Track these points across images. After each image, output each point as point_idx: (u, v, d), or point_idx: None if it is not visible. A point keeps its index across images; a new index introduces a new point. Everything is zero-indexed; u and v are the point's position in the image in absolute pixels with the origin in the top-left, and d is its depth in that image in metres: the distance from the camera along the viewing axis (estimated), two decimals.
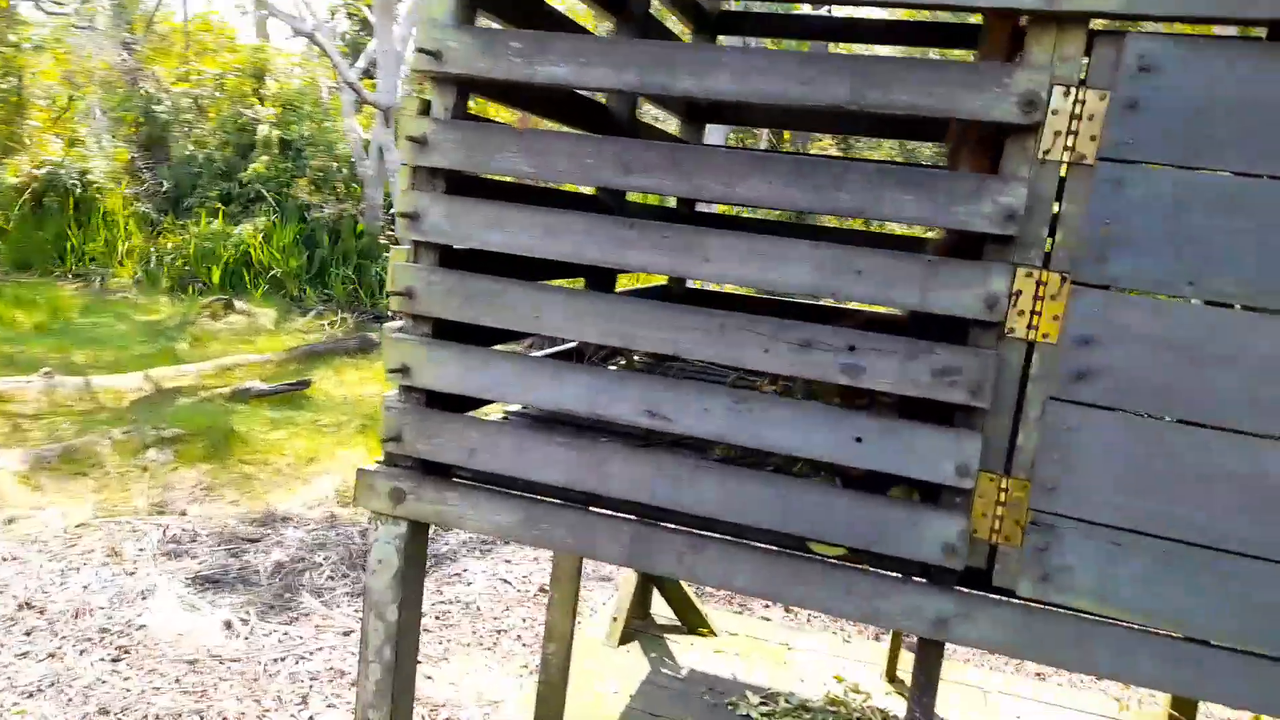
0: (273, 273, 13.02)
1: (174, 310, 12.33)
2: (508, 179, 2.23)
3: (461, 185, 2.26)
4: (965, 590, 2.07)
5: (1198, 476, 1.86)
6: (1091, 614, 1.97)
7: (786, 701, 3.94)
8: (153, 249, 13.24)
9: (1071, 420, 1.93)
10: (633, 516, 2.32)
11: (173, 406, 8.38)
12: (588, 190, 3.36)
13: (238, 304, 12.17)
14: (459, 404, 2.39)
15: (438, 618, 5.26)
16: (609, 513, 2.30)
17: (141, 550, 5.71)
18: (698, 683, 4.09)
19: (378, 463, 2.34)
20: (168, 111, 13.91)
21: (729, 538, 2.19)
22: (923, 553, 2.01)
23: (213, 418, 8.05)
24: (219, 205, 13.66)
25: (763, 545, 2.19)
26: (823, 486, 2.09)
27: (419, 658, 4.88)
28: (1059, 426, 1.94)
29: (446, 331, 2.27)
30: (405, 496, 2.27)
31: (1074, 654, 1.97)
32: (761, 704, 3.91)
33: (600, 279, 3.22)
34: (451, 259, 2.25)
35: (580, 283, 3.36)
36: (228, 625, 4.94)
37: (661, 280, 3.96)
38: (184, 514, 6.42)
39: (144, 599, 5.13)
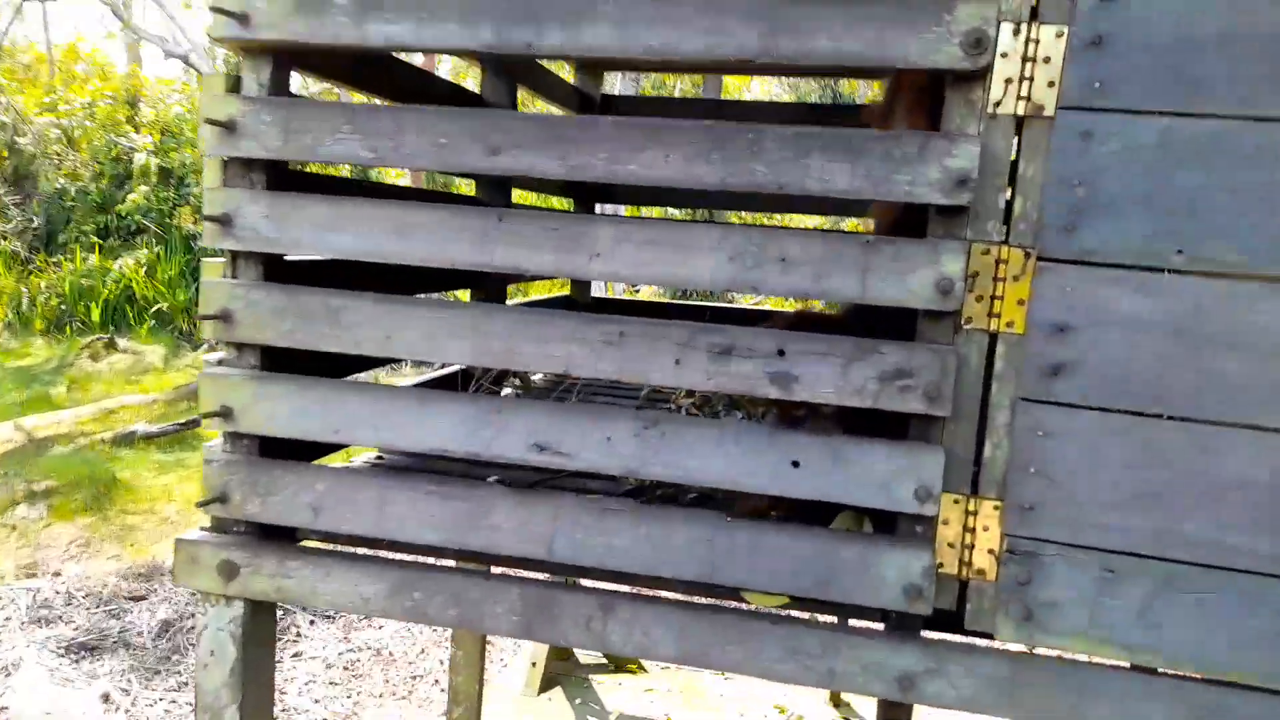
0: (158, 307, 12.17)
1: (50, 353, 11.39)
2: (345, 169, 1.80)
3: (288, 180, 1.82)
4: (934, 637, 1.71)
5: (1205, 484, 1.53)
6: (1087, 658, 1.63)
7: None
8: (24, 289, 12.26)
9: (1048, 424, 1.59)
10: (539, 576, 1.91)
11: (46, 457, 7.62)
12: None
13: (120, 343, 11.29)
14: (308, 451, 1.94)
15: (346, 668, 4.76)
16: (501, 572, 1.88)
17: (7, 620, 5.05)
18: None
19: (203, 530, 1.88)
20: (32, 143, 12.92)
21: (647, 593, 1.80)
22: (882, 597, 1.65)
23: (92, 466, 7.33)
24: (96, 240, 12.74)
25: (690, 599, 1.80)
26: (756, 524, 1.71)
27: (325, 716, 4.38)
28: (1033, 433, 1.60)
29: (281, 362, 1.82)
30: (238, 571, 1.81)
31: (1070, 709, 1.62)
32: None
33: (491, 290, 2.80)
34: (280, 272, 1.81)
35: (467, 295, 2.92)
36: (106, 698, 4.35)
37: (564, 291, 3.55)
38: (58, 574, 5.77)
39: (6, 676, 4.49)
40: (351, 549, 1.93)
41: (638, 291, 10.99)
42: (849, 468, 1.63)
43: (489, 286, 2.77)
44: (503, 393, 2.52)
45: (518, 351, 1.72)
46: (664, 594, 1.82)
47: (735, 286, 1.65)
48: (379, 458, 2.23)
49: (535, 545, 1.77)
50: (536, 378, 3.40)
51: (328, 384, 1.78)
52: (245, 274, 1.77)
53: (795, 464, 1.65)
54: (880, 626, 1.81)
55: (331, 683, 4.63)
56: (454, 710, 2.97)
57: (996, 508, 1.65)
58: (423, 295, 1.79)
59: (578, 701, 3.90)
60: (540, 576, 1.88)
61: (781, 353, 1.63)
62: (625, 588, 1.85)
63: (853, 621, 1.81)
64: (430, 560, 1.90)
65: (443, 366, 2.98)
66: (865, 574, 1.65)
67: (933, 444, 1.64)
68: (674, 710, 3.85)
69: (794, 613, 1.78)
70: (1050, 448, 1.59)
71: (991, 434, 1.64)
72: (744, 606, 1.79)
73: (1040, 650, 1.66)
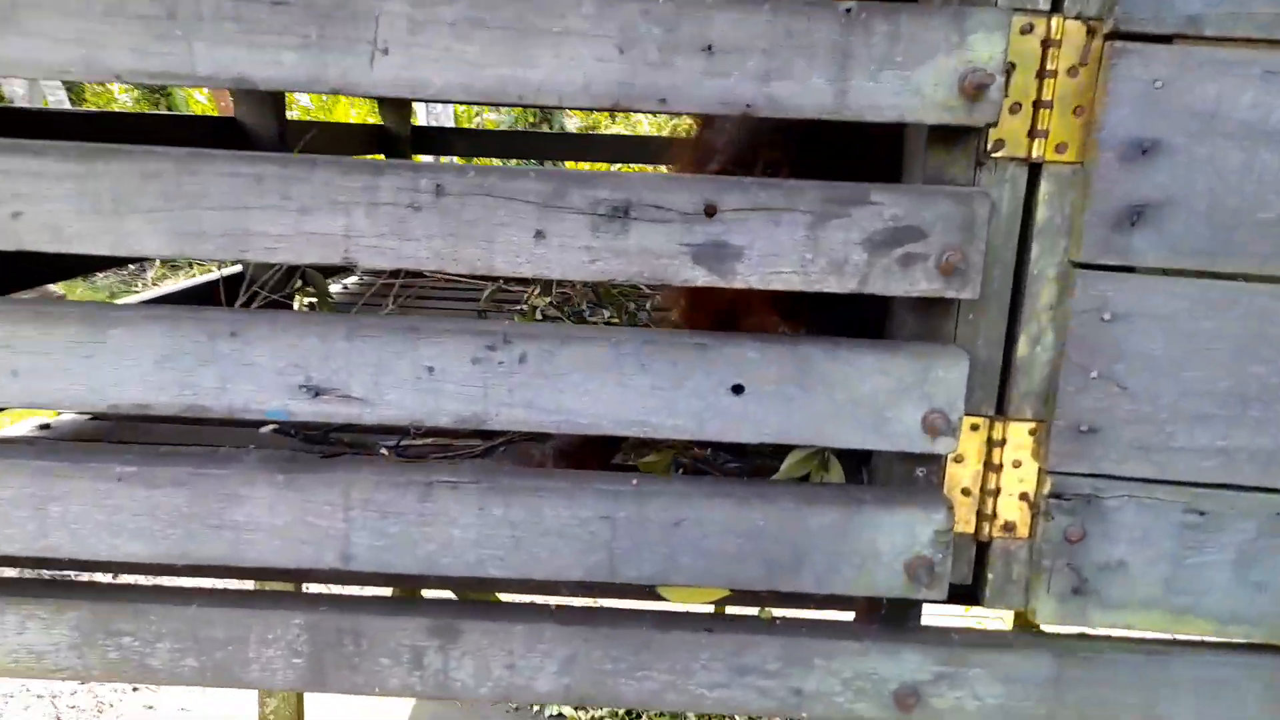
0: None
1: None
2: None
3: None
4: (945, 627, 1.17)
5: None
6: (1167, 639, 1.13)
7: None
8: None
9: (1119, 303, 1.03)
10: (338, 590, 1.23)
11: None
12: None
13: None
14: None
15: None
16: (278, 590, 1.19)
17: None
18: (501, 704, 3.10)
19: None
20: None
21: (516, 600, 1.16)
22: (875, 581, 1.07)
23: None
24: None
25: (578, 604, 1.17)
26: (679, 485, 1.08)
27: None
28: (1095, 317, 1.03)
29: None
30: None
31: (1139, 710, 1.12)
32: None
33: None
34: None
35: None
36: None
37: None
38: None
39: None
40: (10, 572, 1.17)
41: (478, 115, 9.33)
42: (823, 390, 1.02)
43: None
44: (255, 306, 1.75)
45: (254, 231, 0.99)
46: (544, 600, 1.18)
47: (628, 98, 0.97)
48: (44, 426, 1.44)
49: (318, 550, 1.08)
50: (345, 285, 2.60)
51: None
52: None
53: (737, 389, 1.03)
54: (849, 618, 1.25)
55: None
56: None
57: (1034, 433, 1.09)
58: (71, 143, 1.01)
59: None
60: (342, 591, 1.19)
61: (711, 211, 0.98)
62: (502, 595, 1.20)
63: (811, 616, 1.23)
64: (157, 582, 1.17)
65: (224, 269, 2.14)
66: (846, 549, 1.07)
67: (948, 344, 1.06)
68: None
69: (739, 610, 1.19)
70: (1122, 338, 1.04)
71: (1030, 322, 1.06)
72: (667, 607, 1.18)
73: (1088, 631, 1.15)
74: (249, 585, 1.16)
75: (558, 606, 1.16)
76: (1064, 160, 1.02)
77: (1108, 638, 1.14)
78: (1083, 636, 1.14)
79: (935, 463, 1.10)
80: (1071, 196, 1.03)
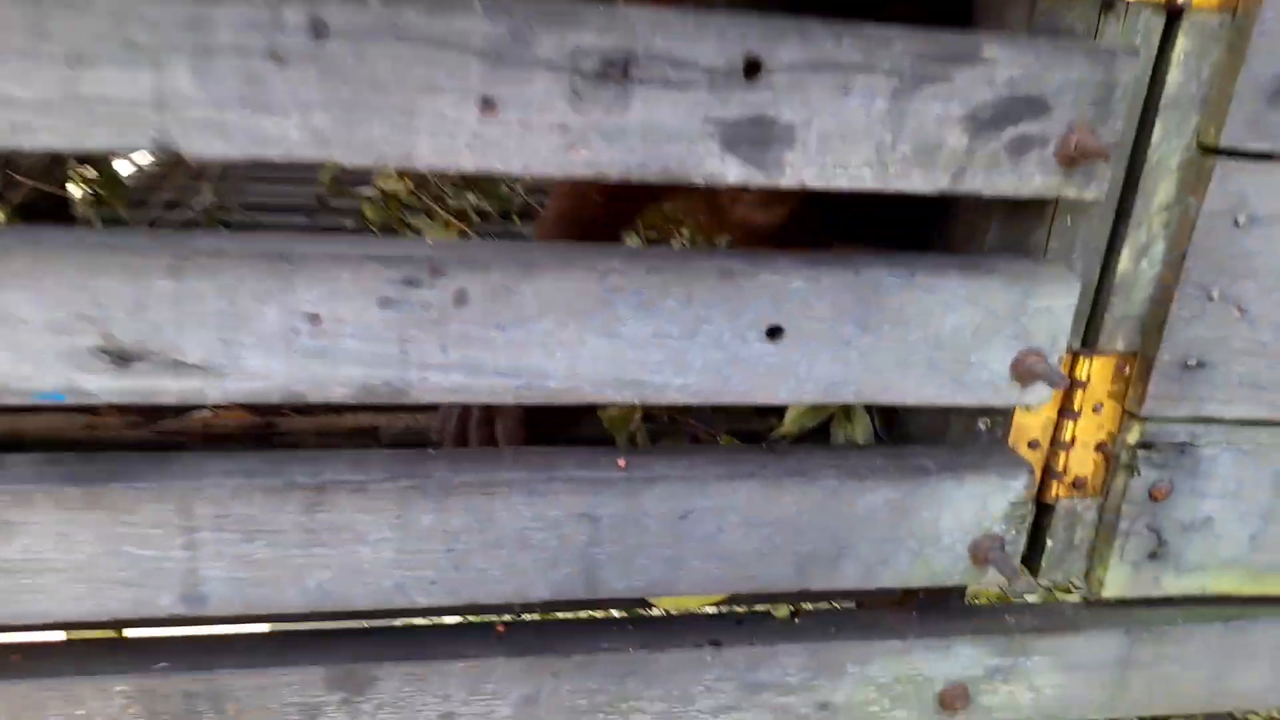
0: None
1: None
2: None
3: None
4: (991, 609, 0.94)
5: None
6: (1247, 599, 0.96)
7: None
8: None
9: (1261, 201, 0.78)
10: (187, 632, 0.86)
11: None
12: None
13: None
14: None
15: None
16: (85, 643, 0.82)
17: None
18: None
19: None
20: None
21: (451, 622, 0.84)
22: (933, 568, 0.83)
23: None
24: None
25: (539, 618, 0.86)
26: (680, 461, 0.78)
27: None
28: (1227, 219, 0.79)
29: None
30: None
31: (1207, 684, 0.95)
32: None
33: None
34: None
35: None
36: None
37: None
38: None
39: None
40: None
41: None
42: (891, 329, 0.73)
43: None
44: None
45: None
46: (490, 619, 0.86)
47: None
48: None
49: (147, 592, 0.71)
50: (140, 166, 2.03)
51: None
52: None
53: (774, 332, 0.72)
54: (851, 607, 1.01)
55: None
56: None
57: (1125, 370, 0.85)
58: None
59: None
60: (196, 632, 0.82)
61: (754, 68, 0.64)
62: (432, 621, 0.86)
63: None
64: None
65: None
66: (902, 533, 0.81)
67: (1044, 260, 0.79)
68: None
69: (734, 608, 0.91)
70: (1257, 250, 0.80)
71: (1138, 228, 0.80)
72: (649, 612, 0.89)
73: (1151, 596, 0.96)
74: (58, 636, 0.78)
75: (505, 627, 0.85)
76: (1213, 5, 0.74)
77: (1178, 603, 0.95)
78: (1148, 603, 0.95)
79: (1002, 411, 0.85)
80: (1214, 58, 0.75)
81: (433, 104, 0.61)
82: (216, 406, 0.93)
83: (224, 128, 0.60)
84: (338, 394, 0.69)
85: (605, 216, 1.05)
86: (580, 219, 1.04)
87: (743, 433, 0.99)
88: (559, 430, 0.91)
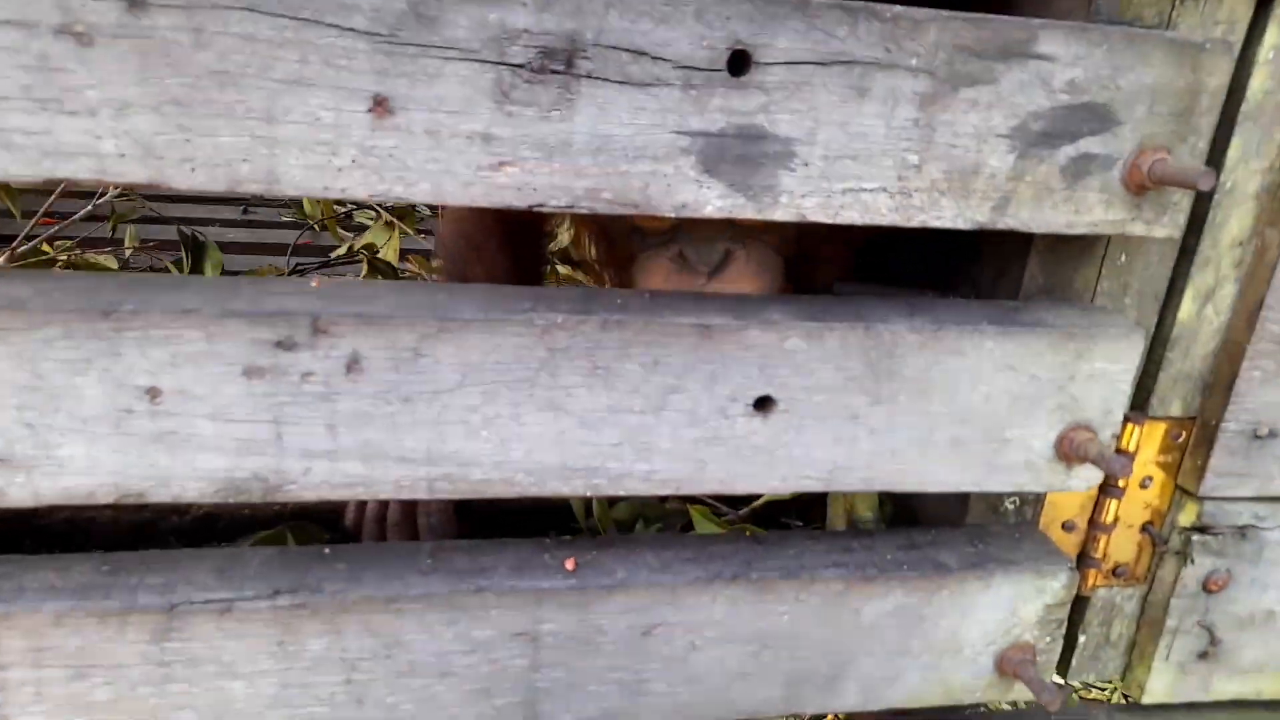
0: None
1: None
2: None
3: None
4: (1000, 718, 0.79)
5: None
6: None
7: None
8: None
9: None
10: None
11: None
12: None
13: None
14: None
15: None
16: None
17: None
18: None
19: None
20: None
21: None
22: (951, 685, 0.67)
23: None
24: None
25: None
26: (643, 563, 0.61)
27: None
28: None
29: None
30: None
31: None
32: None
33: None
34: None
35: None
36: None
37: None
38: None
39: None
40: None
41: None
42: (908, 400, 0.58)
43: None
44: None
45: None
46: None
47: None
48: None
49: None
50: None
51: None
52: None
53: (762, 403, 0.56)
54: None
55: None
56: None
57: (1181, 436, 0.70)
58: None
59: None
60: None
61: (741, 62, 0.48)
62: None
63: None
64: None
65: None
66: (915, 645, 0.65)
67: (1097, 309, 0.63)
68: None
69: None
70: None
71: (1204, 267, 0.65)
72: None
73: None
74: None
75: None
76: None
77: (1225, 706, 0.81)
78: (1191, 707, 0.81)
79: (1036, 499, 0.70)
80: None
81: (303, 103, 0.44)
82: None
83: (10, 141, 0.43)
84: (192, 491, 0.52)
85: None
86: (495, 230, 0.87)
87: (725, 498, 0.83)
88: (501, 513, 0.74)
